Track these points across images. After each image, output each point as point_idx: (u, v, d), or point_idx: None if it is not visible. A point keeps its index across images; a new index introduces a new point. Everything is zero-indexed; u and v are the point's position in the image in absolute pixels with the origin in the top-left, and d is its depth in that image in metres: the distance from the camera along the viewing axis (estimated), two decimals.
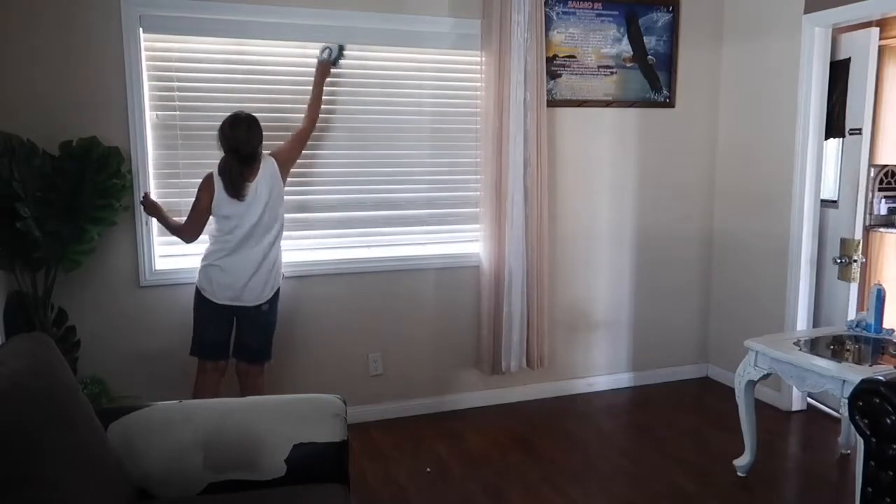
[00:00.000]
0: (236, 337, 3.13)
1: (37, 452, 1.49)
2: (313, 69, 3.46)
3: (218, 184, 3.00)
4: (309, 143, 3.50)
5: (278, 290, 3.15)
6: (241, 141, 2.95)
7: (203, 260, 3.08)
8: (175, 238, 3.37)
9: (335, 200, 3.60)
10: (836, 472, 3.27)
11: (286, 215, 3.23)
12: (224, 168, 2.98)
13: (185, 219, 3.10)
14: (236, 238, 3.01)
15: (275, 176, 3.07)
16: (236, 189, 2.96)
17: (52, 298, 3.02)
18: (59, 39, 3.07)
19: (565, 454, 3.40)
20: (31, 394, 1.58)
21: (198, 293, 3.08)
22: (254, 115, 3.02)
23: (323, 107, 3.50)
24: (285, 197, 3.19)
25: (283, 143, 3.25)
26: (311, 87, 3.36)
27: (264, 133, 3.20)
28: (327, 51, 3.42)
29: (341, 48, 3.46)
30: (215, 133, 3.35)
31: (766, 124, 3.96)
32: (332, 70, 3.43)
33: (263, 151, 3.07)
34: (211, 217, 3.06)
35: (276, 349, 3.53)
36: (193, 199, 3.06)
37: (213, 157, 3.38)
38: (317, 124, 3.35)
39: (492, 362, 3.80)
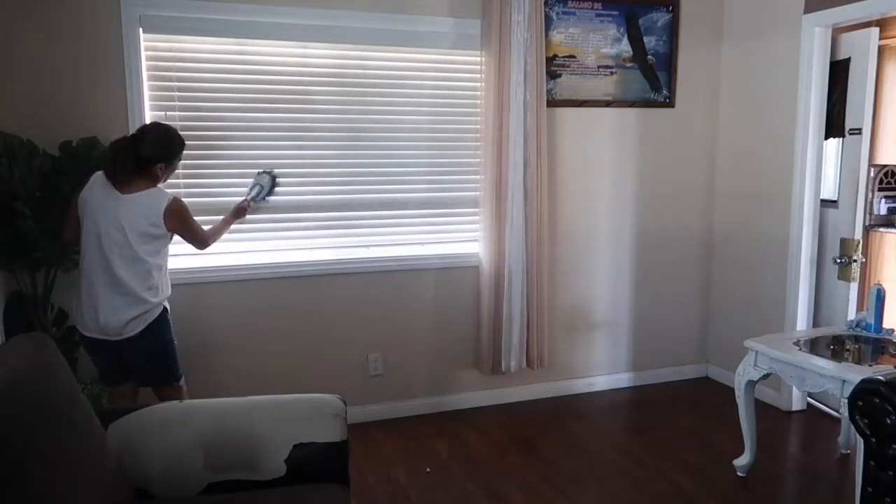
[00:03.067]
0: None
1: (36, 452, 1.49)
2: (313, 69, 3.47)
3: (96, 178, 2.71)
4: (309, 142, 3.51)
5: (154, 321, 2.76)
6: (146, 133, 2.72)
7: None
8: (175, 238, 3.36)
9: (335, 200, 3.60)
10: (836, 472, 3.27)
11: None
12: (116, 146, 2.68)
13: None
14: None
15: (156, 213, 2.65)
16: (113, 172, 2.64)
17: (52, 298, 3.02)
18: (59, 39, 3.07)
19: (565, 454, 3.40)
20: (30, 394, 1.58)
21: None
22: (175, 134, 2.79)
23: (323, 106, 3.50)
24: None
25: (187, 214, 2.80)
26: (313, 91, 3.33)
27: (264, 131, 3.22)
28: (257, 188, 3.29)
29: (274, 180, 3.35)
30: (215, 133, 3.38)
31: (766, 124, 3.96)
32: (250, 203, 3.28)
33: (162, 185, 2.77)
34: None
35: (275, 348, 3.54)
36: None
37: (213, 158, 3.40)
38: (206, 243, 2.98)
39: (492, 362, 3.80)
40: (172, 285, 3.32)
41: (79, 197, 2.70)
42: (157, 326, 2.74)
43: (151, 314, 2.72)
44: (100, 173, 2.71)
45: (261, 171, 3.38)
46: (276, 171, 3.41)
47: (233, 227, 3.26)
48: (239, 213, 3.25)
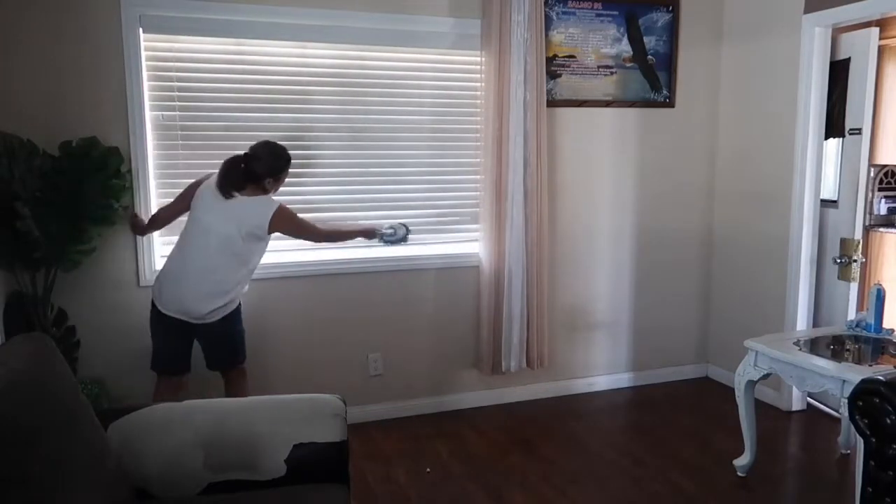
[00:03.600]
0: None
1: (36, 453, 1.49)
2: (313, 69, 3.47)
3: (210, 182, 2.96)
4: (308, 142, 3.51)
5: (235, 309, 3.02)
6: (256, 153, 2.95)
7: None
8: (175, 238, 3.37)
9: (335, 200, 3.60)
10: (836, 472, 3.27)
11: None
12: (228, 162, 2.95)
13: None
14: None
15: (264, 217, 2.90)
16: (223, 183, 2.89)
17: (52, 298, 3.02)
18: (58, 39, 3.07)
19: (565, 454, 3.40)
20: (30, 394, 1.58)
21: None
22: (283, 152, 3.01)
23: (323, 106, 3.51)
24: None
25: (294, 217, 3.05)
26: (313, 91, 3.34)
27: (264, 131, 3.23)
28: (391, 230, 3.39)
29: (406, 237, 3.45)
30: (215, 133, 3.38)
31: (766, 124, 3.96)
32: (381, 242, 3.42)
33: (273, 195, 3.02)
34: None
35: (276, 348, 3.54)
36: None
37: (213, 158, 3.38)
38: (322, 235, 3.24)
39: (492, 362, 3.80)
40: None
41: (196, 190, 2.96)
42: (234, 315, 3.01)
43: (232, 304, 2.98)
44: (212, 176, 2.97)
45: (402, 222, 3.46)
46: (412, 230, 3.50)
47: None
48: (366, 233, 3.35)
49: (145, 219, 3.19)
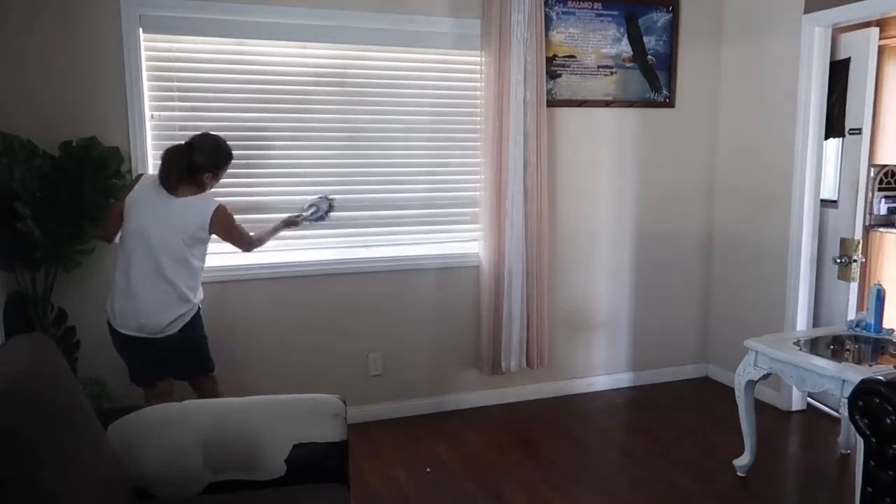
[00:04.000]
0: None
1: (36, 453, 1.49)
2: (313, 69, 3.47)
3: (147, 180, 2.84)
4: (308, 142, 3.51)
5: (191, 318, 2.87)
6: (199, 144, 2.83)
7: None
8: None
9: (335, 200, 3.60)
10: (836, 472, 3.27)
11: None
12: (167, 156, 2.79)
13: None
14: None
15: (203, 218, 2.78)
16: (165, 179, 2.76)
17: (52, 298, 3.02)
18: (58, 39, 3.07)
19: (565, 454, 3.40)
20: (30, 394, 1.58)
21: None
22: (225, 146, 2.89)
23: (323, 106, 3.50)
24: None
25: (232, 219, 2.93)
26: (313, 91, 3.34)
27: (264, 131, 3.23)
28: (313, 208, 3.33)
29: (331, 206, 3.38)
30: (215, 133, 3.37)
31: (766, 124, 3.96)
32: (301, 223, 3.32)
33: (211, 193, 2.89)
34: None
35: (275, 348, 3.54)
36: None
37: None
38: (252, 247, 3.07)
39: (492, 362, 3.80)
40: None
41: (127, 197, 2.80)
42: (193, 324, 2.87)
43: (190, 313, 2.85)
44: (149, 176, 2.89)
45: (321, 195, 3.41)
46: (335, 198, 3.44)
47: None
48: (288, 224, 3.28)
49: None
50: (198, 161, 2.79)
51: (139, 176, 2.92)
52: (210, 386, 2.99)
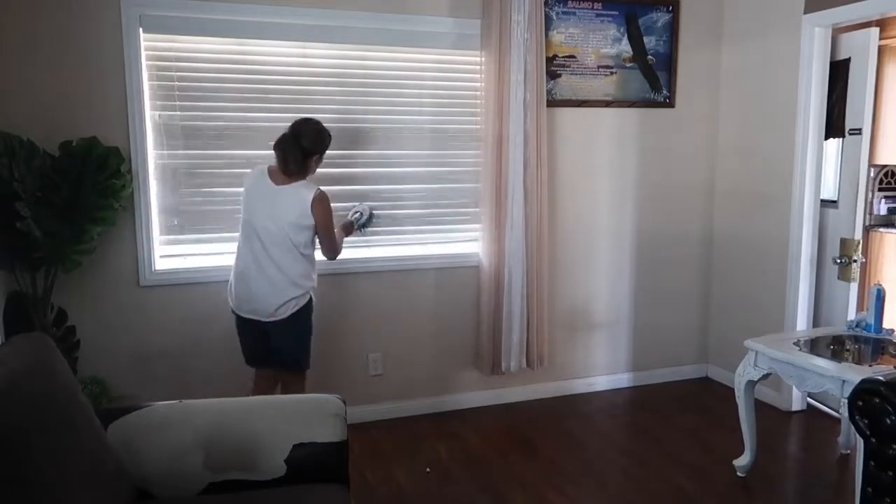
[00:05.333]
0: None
1: (36, 453, 1.49)
2: (313, 69, 3.47)
3: (254, 172, 2.99)
4: None
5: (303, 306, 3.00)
6: (302, 130, 2.93)
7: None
8: (175, 238, 3.38)
9: (334, 199, 3.59)
10: (836, 472, 3.27)
11: None
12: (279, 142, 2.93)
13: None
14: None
15: (304, 204, 2.88)
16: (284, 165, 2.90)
17: (52, 298, 3.02)
18: (59, 39, 3.07)
19: (565, 454, 3.40)
20: (30, 394, 1.58)
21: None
22: (325, 128, 2.99)
23: (323, 106, 3.50)
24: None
25: (329, 210, 3.00)
26: (313, 91, 3.37)
27: (264, 131, 3.23)
28: (357, 214, 3.37)
29: (371, 215, 3.42)
30: (215, 133, 3.38)
31: (766, 124, 3.96)
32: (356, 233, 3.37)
33: (312, 179, 2.99)
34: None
35: None
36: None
37: (213, 158, 3.40)
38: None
39: (491, 362, 3.80)
40: (170, 286, 3.35)
41: (243, 190, 2.99)
42: (304, 312, 2.99)
43: (300, 300, 2.97)
44: (257, 168, 3.00)
45: (365, 204, 3.43)
46: (376, 210, 3.47)
47: (226, 227, 3.41)
48: (346, 227, 3.30)
49: None
50: (306, 146, 2.91)
51: (251, 170, 3.03)
52: (298, 382, 3.08)
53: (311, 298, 3.02)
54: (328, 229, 2.99)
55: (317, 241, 3.00)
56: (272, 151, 3.44)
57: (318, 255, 3.07)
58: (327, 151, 3.06)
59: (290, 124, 2.96)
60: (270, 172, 2.94)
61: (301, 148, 2.89)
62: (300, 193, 2.89)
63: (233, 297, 3.00)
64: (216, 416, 2.08)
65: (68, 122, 3.07)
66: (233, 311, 3.02)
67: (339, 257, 3.60)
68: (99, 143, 3.03)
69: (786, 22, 3.77)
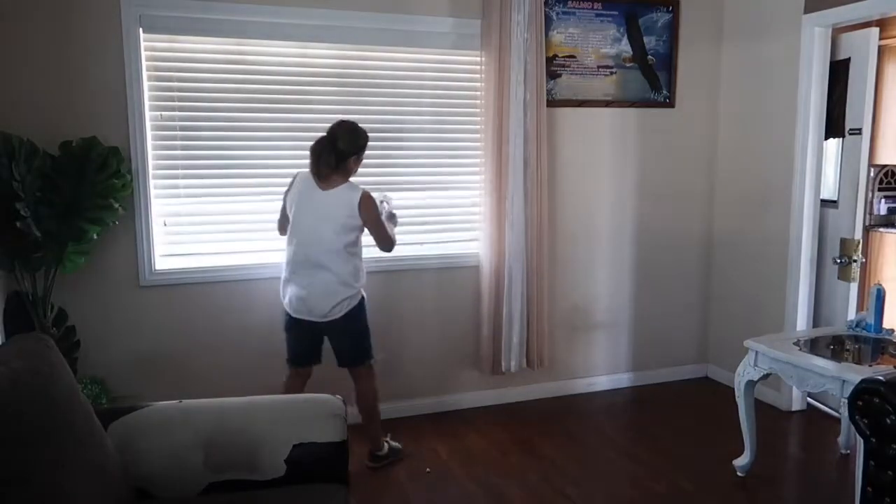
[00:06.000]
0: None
1: (36, 453, 1.49)
2: (313, 69, 3.48)
3: (299, 178, 3.05)
4: (309, 143, 3.49)
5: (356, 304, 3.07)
6: (336, 133, 2.98)
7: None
8: (174, 238, 3.38)
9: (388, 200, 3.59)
10: (836, 472, 3.27)
11: None
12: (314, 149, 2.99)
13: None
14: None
15: (352, 206, 2.95)
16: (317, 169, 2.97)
17: (52, 298, 3.02)
18: (58, 39, 3.07)
19: (565, 454, 3.40)
20: (30, 394, 1.58)
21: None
22: (361, 128, 3.03)
23: (323, 106, 3.51)
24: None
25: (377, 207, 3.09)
26: (313, 92, 3.40)
27: (264, 131, 3.24)
28: (384, 204, 3.31)
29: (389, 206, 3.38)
30: (215, 133, 3.38)
31: (766, 124, 3.96)
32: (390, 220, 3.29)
33: (354, 181, 3.04)
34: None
35: (276, 348, 3.54)
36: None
37: (213, 158, 3.40)
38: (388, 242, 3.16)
39: (492, 362, 3.80)
40: (170, 286, 3.36)
41: (286, 195, 3.07)
42: (357, 310, 3.07)
43: (353, 300, 3.04)
44: (301, 172, 3.06)
45: (384, 194, 3.37)
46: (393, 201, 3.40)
47: (228, 227, 3.46)
48: (390, 219, 3.27)
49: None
50: (342, 147, 2.96)
51: (295, 175, 3.08)
52: (366, 375, 3.16)
53: (362, 297, 3.09)
54: (379, 225, 3.07)
55: (360, 240, 3.07)
56: (272, 151, 3.47)
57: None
58: (365, 152, 3.09)
59: (329, 129, 3.01)
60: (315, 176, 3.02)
61: (336, 150, 2.95)
62: (346, 195, 2.97)
63: (286, 298, 3.06)
64: (216, 416, 2.08)
65: (68, 122, 3.07)
66: (285, 312, 3.09)
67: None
68: (99, 143, 3.03)
69: (786, 22, 3.77)
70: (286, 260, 3.05)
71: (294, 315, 3.06)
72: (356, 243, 3.04)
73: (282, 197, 3.11)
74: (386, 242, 3.13)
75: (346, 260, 3.00)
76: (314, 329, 3.06)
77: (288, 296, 3.06)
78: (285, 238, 3.08)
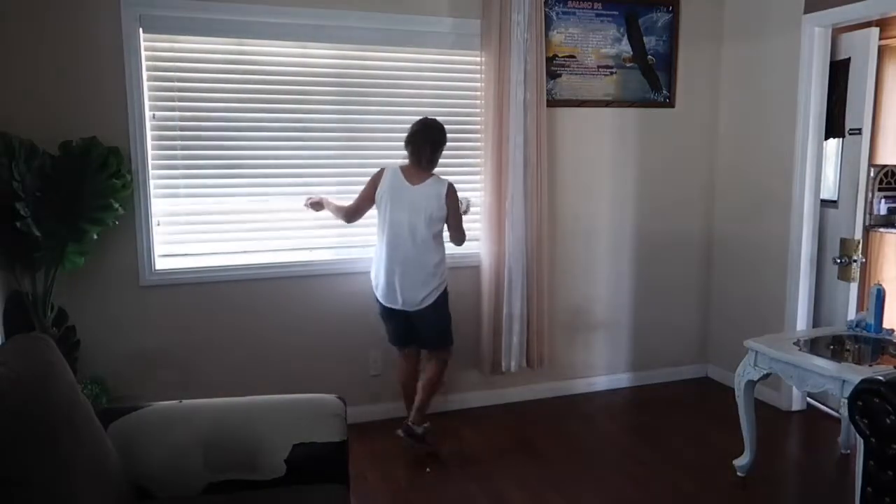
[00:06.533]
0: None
1: (36, 453, 1.49)
2: (313, 69, 3.48)
3: (387, 174, 3.20)
4: (308, 142, 3.52)
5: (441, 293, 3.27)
6: (423, 131, 3.22)
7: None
8: (175, 238, 3.39)
9: (335, 200, 3.60)
10: (836, 472, 3.27)
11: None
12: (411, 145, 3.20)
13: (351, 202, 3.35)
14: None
15: (440, 196, 3.17)
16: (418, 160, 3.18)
17: (52, 298, 3.02)
18: (59, 39, 3.07)
19: (565, 454, 3.40)
20: (30, 394, 1.58)
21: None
22: (441, 125, 3.25)
23: (322, 106, 3.51)
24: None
25: (457, 202, 3.29)
26: (313, 91, 3.44)
27: (264, 131, 3.24)
28: (463, 201, 3.44)
29: (468, 203, 3.55)
30: (215, 133, 3.38)
31: (766, 124, 3.96)
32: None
33: (439, 172, 3.25)
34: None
35: (275, 349, 3.55)
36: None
37: (213, 158, 3.40)
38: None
39: (492, 362, 3.80)
40: (170, 286, 3.36)
41: (376, 191, 3.22)
42: (443, 300, 3.29)
43: (440, 289, 3.26)
44: (389, 168, 3.23)
45: (465, 197, 3.53)
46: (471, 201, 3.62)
47: (228, 227, 3.48)
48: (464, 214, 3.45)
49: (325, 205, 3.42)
50: (438, 139, 3.22)
51: (380, 171, 3.25)
52: (445, 356, 3.38)
53: (447, 286, 3.29)
54: (458, 216, 3.28)
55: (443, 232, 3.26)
56: (272, 151, 3.47)
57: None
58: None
59: (414, 125, 3.22)
60: (403, 171, 3.19)
61: (433, 143, 3.19)
62: (436, 187, 3.18)
63: (379, 290, 3.25)
64: (216, 416, 2.08)
65: (68, 122, 3.07)
66: (378, 301, 3.28)
67: (338, 256, 3.64)
68: (99, 143, 3.03)
69: (786, 22, 3.77)
70: (379, 252, 3.22)
71: (386, 304, 3.25)
72: (441, 234, 3.24)
73: (363, 188, 3.28)
74: (461, 234, 3.32)
75: (435, 251, 3.22)
76: (403, 316, 3.27)
77: (380, 286, 3.23)
78: (347, 225, 3.37)
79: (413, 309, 3.22)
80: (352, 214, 3.34)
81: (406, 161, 3.25)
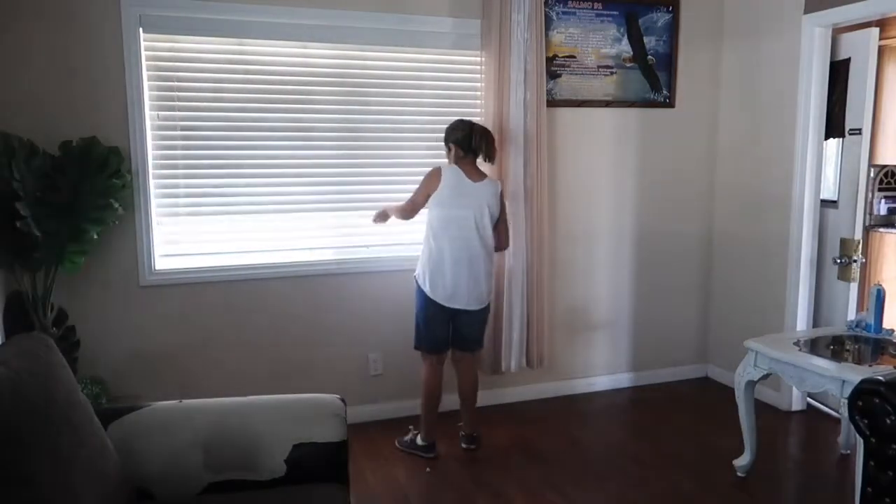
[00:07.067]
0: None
1: (36, 453, 1.49)
2: (313, 69, 3.48)
3: (448, 173, 3.17)
4: (308, 142, 3.52)
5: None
6: (480, 130, 3.25)
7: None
8: (176, 238, 3.39)
9: (336, 200, 3.60)
10: (836, 472, 3.27)
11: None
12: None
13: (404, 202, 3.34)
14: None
15: (497, 195, 3.23)
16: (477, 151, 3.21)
17: (52, 298, 3.02)
18: (59, 39, 3.07)
19: (565, 454, 3.40)
20: (30, 394, 1.58)
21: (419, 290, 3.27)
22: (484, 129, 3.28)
23: (323, 106, 3.51)
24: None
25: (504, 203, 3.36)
26: (313, 91, 3.48)
27: (264, 131, 3.25)
28: None
29: None
30: (215, 133, 3.39)
31: (766, 124, 3.96)
32: None
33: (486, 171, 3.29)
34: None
35: (275, 348, 3.55)
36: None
37: (213, 158, 3.40)
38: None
39: (492, 362, 3.80)
40: (170, 285, 3.36)
41: (436, 191, 3.16)
42: (491, 299, 3.39)
43: (493, 287, 3.36)
44: (446, 168, 3.20)
45: None
46: None
47: (226, 227, 3.47)
48: None
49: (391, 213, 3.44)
50: (491, 140, 3.25)
51: (437, 169, 3.20)
52: (477, 359, 3.44)
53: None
54: (505, 214, 3.33)
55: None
56: (272, 151, 3.47)
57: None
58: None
59: (464, 128, 3.20)
60: (463, 169, 3.18)
61: (489, 143, 3.22)
62: (493, 187, 3.24)
63: (437, 290, 3.17)
64: (216, 416, 2.08)
65: (68, 122, 3.07)
66: (432, 303, 3.20)
67: (337, 256, 3.64)
68: (99, 143, 3.03)
69: (786, 22, 3.77)
70: (439, 252, 3.16)
71: (447, 305, 3.18)
72: (493, 235, 3.26)
73: (416, 186, 3.24)
74: (507, 237, 3.37)
75: (491, 250, 3.27)
76: (451, 316, 3.23)
77: (441, 286, 3.17)
78: (405, 224, 3.39)
79: (476, 307, 3.23)
80: (411, 212, 3.32)
81: (445, 161, 3.28)
